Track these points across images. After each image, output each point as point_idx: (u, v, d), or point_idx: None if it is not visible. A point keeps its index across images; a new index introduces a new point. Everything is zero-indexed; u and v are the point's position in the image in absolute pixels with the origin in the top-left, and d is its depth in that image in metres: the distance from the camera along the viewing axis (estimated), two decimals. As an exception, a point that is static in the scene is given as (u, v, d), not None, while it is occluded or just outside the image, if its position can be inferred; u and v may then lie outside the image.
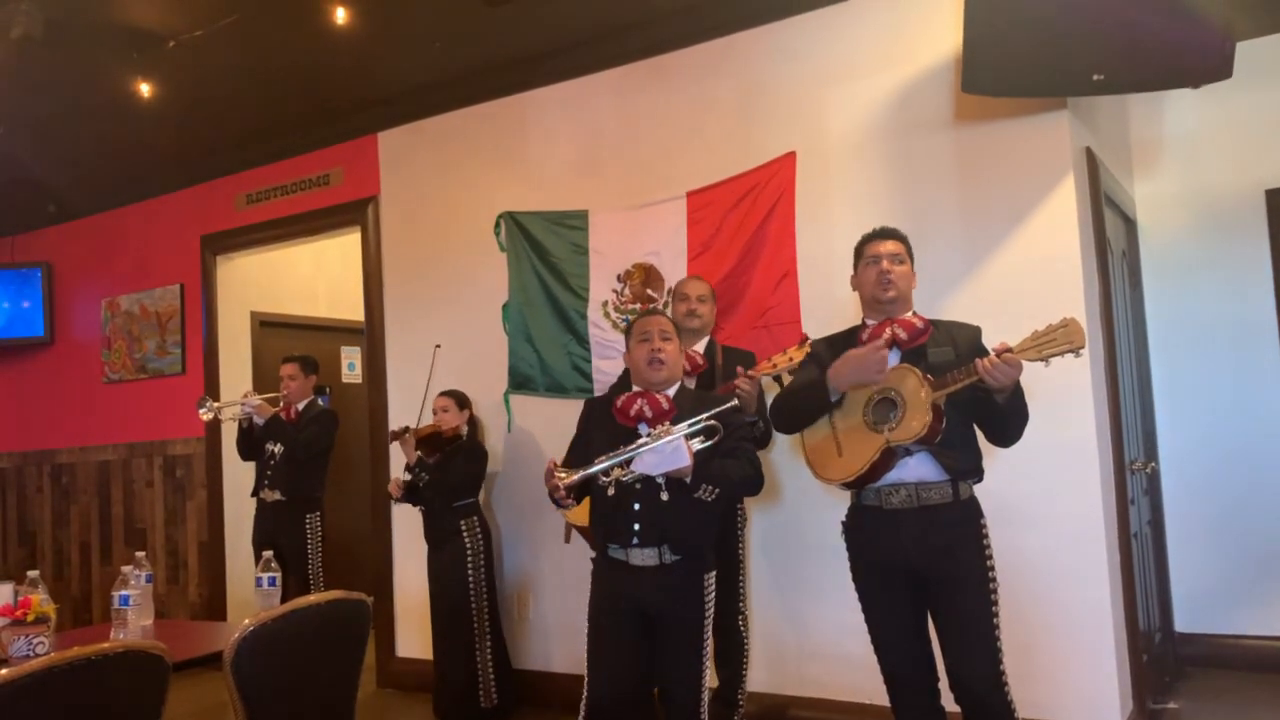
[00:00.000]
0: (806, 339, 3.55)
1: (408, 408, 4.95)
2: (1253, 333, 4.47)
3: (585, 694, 2.91)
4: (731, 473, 2.84)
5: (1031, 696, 3.21)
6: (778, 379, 3.60)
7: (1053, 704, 3.39)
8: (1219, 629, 4.45)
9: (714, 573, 2.94)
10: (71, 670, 1.95)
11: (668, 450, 2.72)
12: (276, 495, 4.91)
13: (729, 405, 2.89)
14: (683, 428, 2.77)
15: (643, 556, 2.85)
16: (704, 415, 2.82)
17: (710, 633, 2.91)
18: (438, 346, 4.73)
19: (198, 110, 5.05)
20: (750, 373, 3.40)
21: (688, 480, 2.78)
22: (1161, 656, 4.18)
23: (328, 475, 5.11)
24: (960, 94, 3.57)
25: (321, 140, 5.42)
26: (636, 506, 2.84)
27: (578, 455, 2.96)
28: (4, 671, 1.89)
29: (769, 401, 3.69)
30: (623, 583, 2.88)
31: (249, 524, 5.19)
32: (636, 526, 2.84)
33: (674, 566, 2.85)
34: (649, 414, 2.90)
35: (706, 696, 2.89)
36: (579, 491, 2.81)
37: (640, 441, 2.79)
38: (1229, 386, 4.51)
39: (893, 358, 2.76)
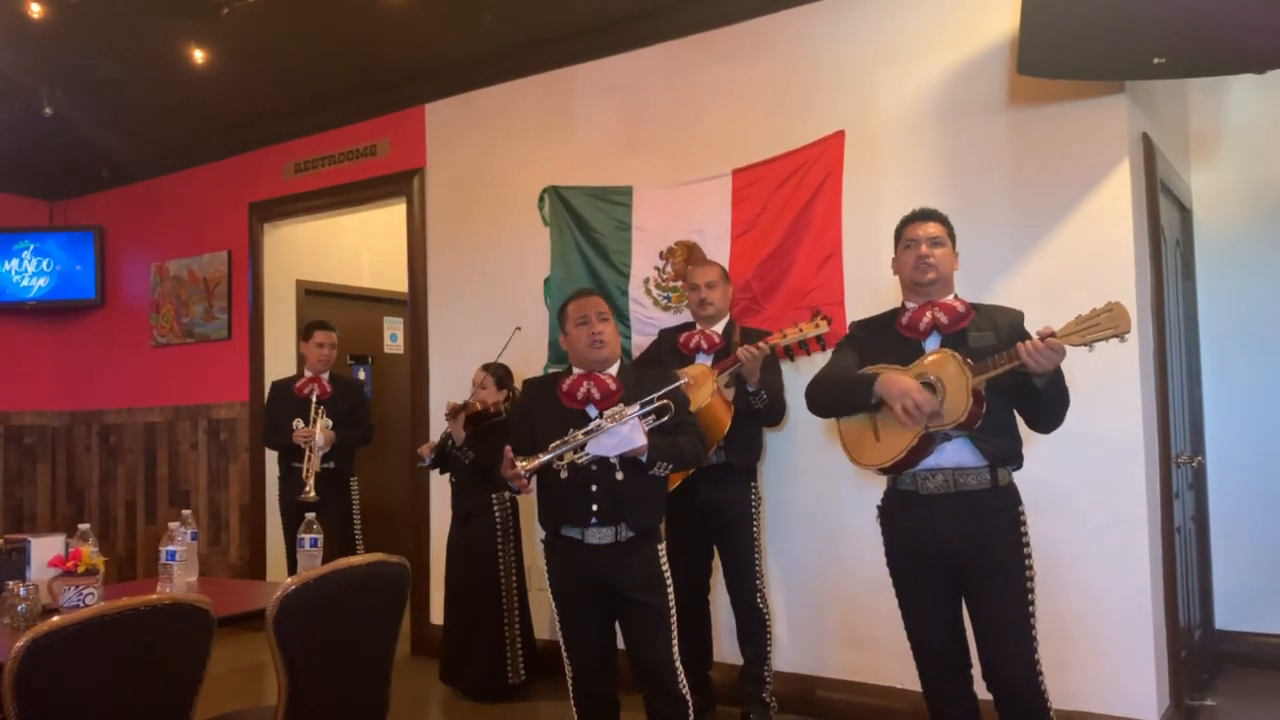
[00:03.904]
0: (818, 312, 3.57)
1: (449, 379, 4.99)
2: (1308, 328, 4.36)
3: (568, 667, 3.00)
4: (684, 448, 2.92)
5: (1066, 687, 3.19)
6: (788, 351, 3.62)
7: (1088, 696, 3.35)
8: (1261, 628, 4.38)
9: (664, 544, 2.98)
10: (121, 619, 2.00)
11: (624, 431, 2.76)
12: (328, 464, 4.86)
13: (677, 384, 2.94)
14: (635, 409, 2.81)
15: (599, 535, 2.89)
16: (655, 395, 2.86)
17: (674, 602, 2.95)
18: (518, 329, 4.55)
19: (249, 78, 5.10)
20: (760, 344, 3.48)
21: (643, 459, 2.83)
22: (1200, 653, 4.12)
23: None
24: (1015, 76, 3.50)
25: (370, 111, 5.45)
26: (594, 488, 2.86)
27: (523, 439, 2.92)
28: (56, 619, 1.94)
29: (785, 381, 3.72)
30: (580, 561, 2.92)
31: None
32: (595, 507, 2.87)
33: (628, 544, 2.90)
34: (597, 395, 2.94)
35: (680, 667, 2.93)
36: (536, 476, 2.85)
37: (594, 424, 2.83)
38: (1281, 383, 4.41)
39: (933, 341, 2.73)
